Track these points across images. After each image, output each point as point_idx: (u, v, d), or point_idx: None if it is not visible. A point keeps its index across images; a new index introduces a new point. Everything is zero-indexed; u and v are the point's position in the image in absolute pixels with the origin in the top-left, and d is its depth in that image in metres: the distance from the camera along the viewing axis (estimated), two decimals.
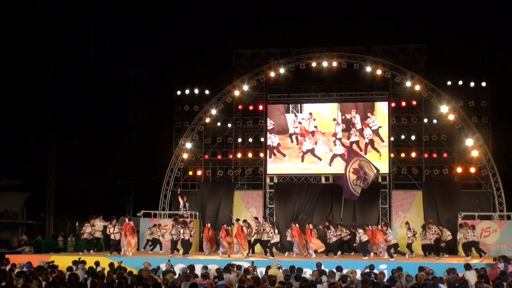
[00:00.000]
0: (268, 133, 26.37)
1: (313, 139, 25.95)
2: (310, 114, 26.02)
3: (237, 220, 22.14)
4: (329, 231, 21.48)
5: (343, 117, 25.74)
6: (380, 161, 25.02)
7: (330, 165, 25.61)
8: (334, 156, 25.68)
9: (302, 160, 25.93)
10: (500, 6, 31.94)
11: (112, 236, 21.07)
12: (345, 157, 23.89)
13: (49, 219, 32.41)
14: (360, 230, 20.99)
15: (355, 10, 35.51)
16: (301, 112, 26.17)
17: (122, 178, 34.88)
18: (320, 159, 25.81)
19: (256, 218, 22.38)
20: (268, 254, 20.49)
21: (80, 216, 35.19)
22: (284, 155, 26.18)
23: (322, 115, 26.02)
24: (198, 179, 27.06)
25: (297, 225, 21.55)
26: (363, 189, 21.99)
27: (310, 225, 21.43)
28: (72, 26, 37.42)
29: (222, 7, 36.57)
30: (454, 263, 16.84)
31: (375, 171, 21.99)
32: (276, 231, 21.15)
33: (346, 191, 22.15)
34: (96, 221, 21.54)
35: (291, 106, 26.32)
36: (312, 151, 25.95)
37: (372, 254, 20.88)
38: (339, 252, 21.23)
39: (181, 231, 20.80)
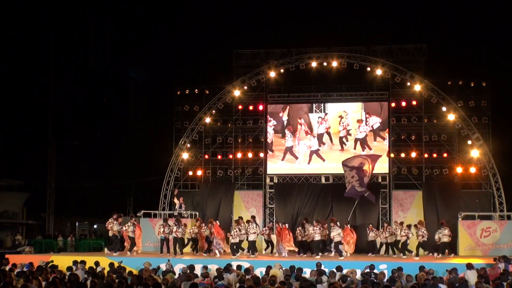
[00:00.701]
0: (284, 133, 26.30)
1: (296, 135, 25.95)
2: (320, 118, 25.98)
3: (215, 220, 21.95)
4: (300, 229, 21.47)
5: (367, 116, 25.63)
6: (379, 161, 25.02)
7: (309, 164, 25.70)
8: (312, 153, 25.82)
9: (309, 162, 25.78)
10: (500, 7, 31.99)
11: (130, 234, 20.71)
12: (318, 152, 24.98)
13: (49, 219, 32.43)
14: (317, 228, 20.49)
15: (355, 10, 35.56)
16: (324, 112, 26.07)
17: (122, 178, 34.89)
18: (283, 158, 25.93)
19: (240, 218, 21.81)
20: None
21: (80, 216, 35.28)
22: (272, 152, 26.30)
23: (348, 113, 25.87)
24: (198, 179, 27.04)
25: (280, 224, 21.61)
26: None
27: (286, 224, 21.55)
28: (72, 26, 37.47)
29: (222, 7, 36.61)
30: (454, 263, 16.84)
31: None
32: (237, 231, 20.29)
33: (348, 192, 22.36)
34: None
35: (314, 105, 26.22)
36: (290, 148, 26.00)
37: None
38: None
39: (174, 229, 20.71)
